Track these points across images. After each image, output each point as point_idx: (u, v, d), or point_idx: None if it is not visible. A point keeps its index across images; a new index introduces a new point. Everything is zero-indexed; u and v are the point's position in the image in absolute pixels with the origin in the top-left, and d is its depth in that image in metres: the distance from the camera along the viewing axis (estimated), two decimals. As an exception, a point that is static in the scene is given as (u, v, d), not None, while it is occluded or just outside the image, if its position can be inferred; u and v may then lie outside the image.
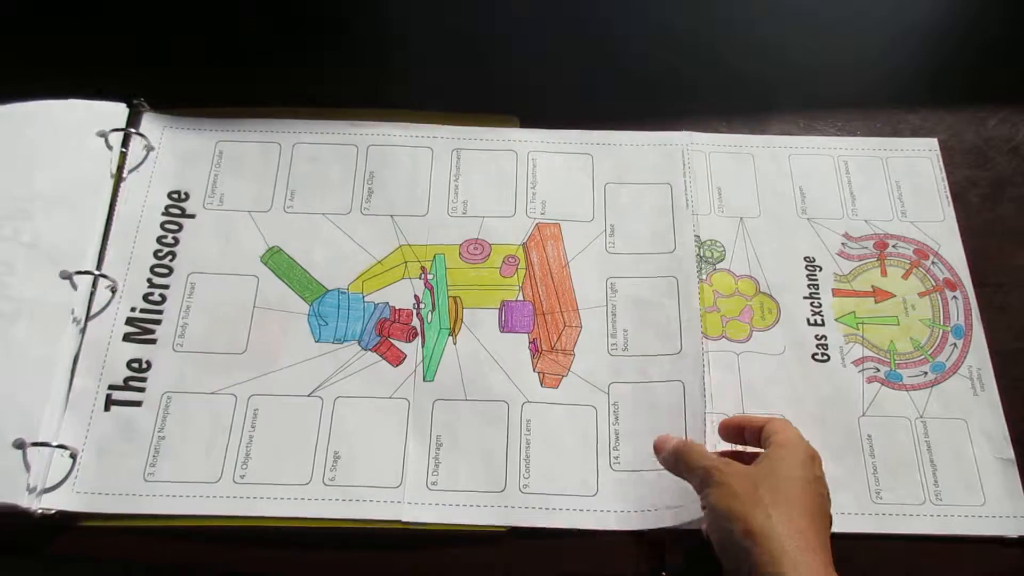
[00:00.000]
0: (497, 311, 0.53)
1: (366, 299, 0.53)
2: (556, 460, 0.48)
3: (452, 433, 0.49)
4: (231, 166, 0.57)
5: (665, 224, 0.55)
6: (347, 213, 0.56)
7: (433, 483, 0.47)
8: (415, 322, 0.52)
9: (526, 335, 0.52)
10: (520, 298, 0.53)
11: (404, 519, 0.46)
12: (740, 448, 0.46)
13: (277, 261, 0.54)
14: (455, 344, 0.52)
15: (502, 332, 0.52)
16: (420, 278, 0.54)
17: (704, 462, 0.41)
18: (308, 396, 0.50)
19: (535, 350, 0.52)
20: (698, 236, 0.55)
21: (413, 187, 0.57)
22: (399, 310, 0.53)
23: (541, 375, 0.51)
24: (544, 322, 0.52)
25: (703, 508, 0.40)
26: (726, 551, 0.38)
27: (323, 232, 0.55)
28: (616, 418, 0.49)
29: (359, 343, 0.52)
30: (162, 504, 0.46)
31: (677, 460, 0.43)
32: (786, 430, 0.42)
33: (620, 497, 0.47)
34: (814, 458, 0.41)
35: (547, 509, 0.47)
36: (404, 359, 0.51)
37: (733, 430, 0.47)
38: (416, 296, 0.53)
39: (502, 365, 0.51)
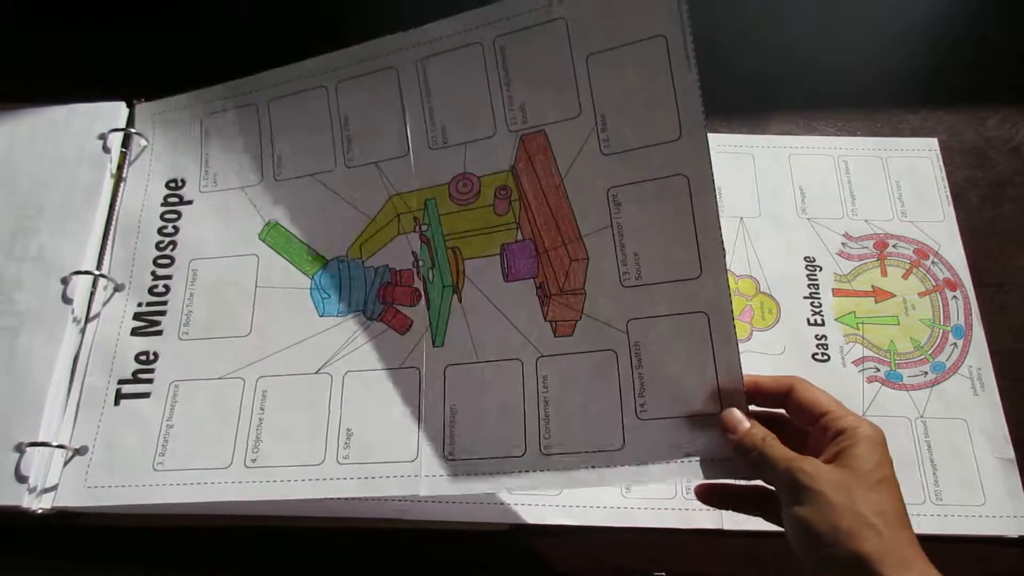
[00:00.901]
0: (498, 258, 0.49)
1: (366, 264, 0.52)
2: (577, 416, 0.44)
3: (466, 401, 0.47)
4: (217, 142, 0.56)
5: (666, 104, 0.45)
6: (332, 169, 0.54)
7: (450, 454, 0.45)
8: (417, 283, 0.51)
9: (532, 280, 0.48)
10: (519, 237, 0.49)
11: (422, 493, 0.45)
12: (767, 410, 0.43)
13: (275, 236, 0.53)
14: (460, 302, 0.49)
15: (507, 282, 0.49)
16: (415, 231, 0.52)
17: (787, 463, 0.37)
18: (316, 374, 0.49)
19: (543, 295, 0.48)
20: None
21: (388, 124, 0.53)
22: (399, 272, 0.51)
23: (553, 324, 0.47)
24: (548, 260, 0.48)
25: (790, 516, 0.36)
26: (823, 568, 0.35)
27: (314, 196, 0.54)
28: (639, 361, 0.44)
29: (364, 313, 0.50)
30: (172, 493, 0.46)
31: (754, 452, 0.39)
32: (855, 420, 0.38)
33: (650, 449, 0.42)
34: (885, 443, 0.38)
35: (571, 470, 0.43)
36: (411, 324, 0.49)
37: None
38: (414, 253, 0.51)
39: (511, 319, 0.48)
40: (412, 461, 0.46)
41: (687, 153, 0.44)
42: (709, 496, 0.42)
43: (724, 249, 0.42)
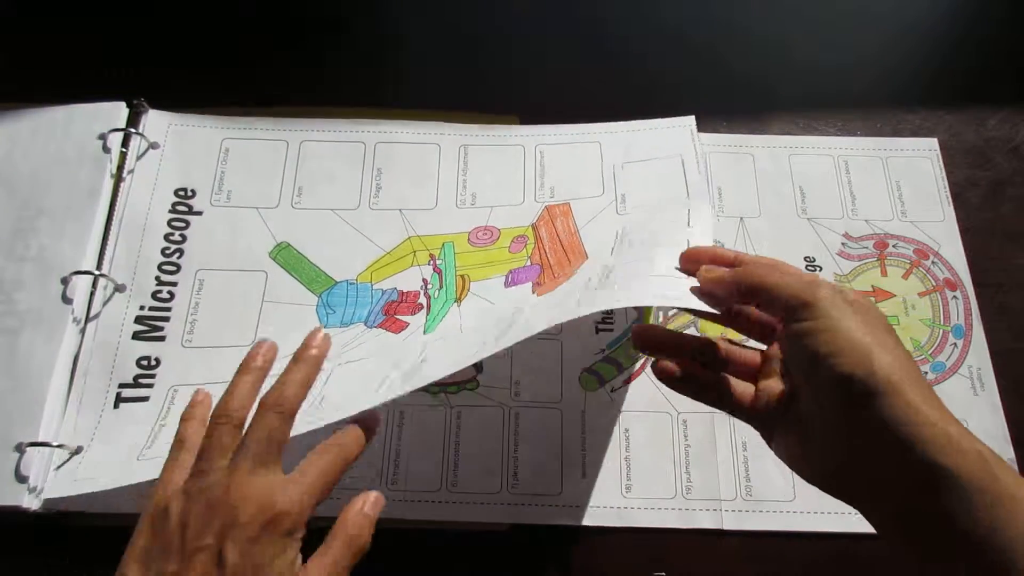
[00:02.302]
0: (503, 277, 0.52)
1: (374, 287, 0.53)
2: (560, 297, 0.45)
3: (439, 345, 0.45)
4: (238, 163, 0.57)
5: (678, 188, 0.53)
6: (355, 208, 0.56)
7: (410, 373, 0.43)
8: (422, 300, 0.52)
9: (529, 284, 0.50)
10: (528, 264, 0.52)
11: (379, 401, 0.40)
12: None
13: (286, 256, 0.54)
14: (459, 307, 0.51)
15: (506, 288, 0.51)
16: (429, 264, 0.54)
17: (805, 282, 0.32)
18: None
19: (537, 284, 0.49)
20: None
21: (421, 182, 0.57)
22: (407, 292, 0.53)
23: (538, 290, 0.48)
24: (551, 271, 0.51)
25: (801, 331, 0.31)
26: (834, 385, 0.30)
27: (331, 227, 0.55)
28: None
29: (365, 323, 0.51)
30: (147, 473, 0.43)
31: (749, 275, 0.34)
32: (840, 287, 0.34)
33: (634, 278, 0.40)
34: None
35: (557, 308, 0.42)
36: (407, 327, 0.50)
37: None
38: (424, 279, 0.53)
39: (501, 305, 0.49)
40: (377, 390, 0.42)
41: (694, 211, 0.47)
42: (668, 377, 0.38)
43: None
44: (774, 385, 0.36)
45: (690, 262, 0.38)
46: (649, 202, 0.54)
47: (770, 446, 0.36)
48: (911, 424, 0.29)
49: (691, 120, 0.57)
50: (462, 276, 0.53)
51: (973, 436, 0.29)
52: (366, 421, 0.38)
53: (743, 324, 0.38)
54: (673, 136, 0.57)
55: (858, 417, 0.30)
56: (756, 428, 0.36)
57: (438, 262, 0.54)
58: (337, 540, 0.34)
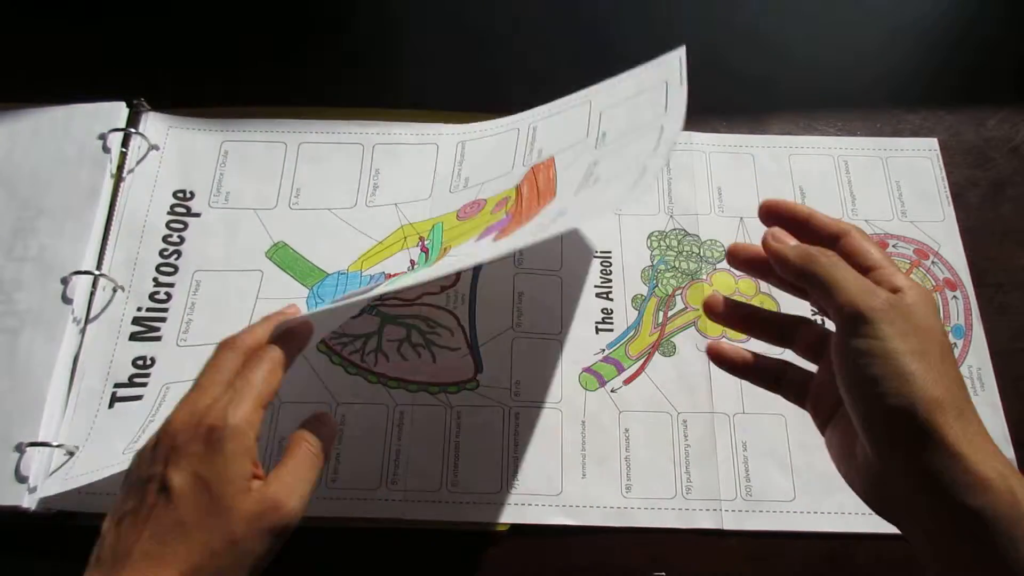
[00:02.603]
0: (477, 235, 0.50)
1: (364, 274, 0.53)
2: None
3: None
4: (236, 165, 0.57)
5: (658, 109, 0.48)
6: (352, 207, 0.56)
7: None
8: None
9: (494, 233, 0.49)
10: (504, 218, 0.50)
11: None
12: None
13: (282, 255, 0.55)
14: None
15: (477, 241, 0.49)
16: (418, 246, 0.54)
17: (859, 290, 0.31)
18: None
19: (501, 232, 0.48)
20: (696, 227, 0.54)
21: (418, 179, 0.57)
22: (394, 273, 0.53)
23: (499, 234, 0.47)
24: (519, 220, 0.49)
25: (855, 351, 0.30)
26: (887, 413, 0.29)
27: (328, 225, 0.56)
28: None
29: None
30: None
31: (813, 264, 0.33)
32: (905, 280, 0.32)
33: None
34: (935, 308, 0.33)
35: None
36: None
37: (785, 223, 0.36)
38: (412, 260, 0.53)
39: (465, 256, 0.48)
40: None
41: (664, 133, 0.44)
42: (723, 361, 0.39)
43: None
44: (828, 374, 0.35)
45: (769, 217, 0.37)
46: (626, 131, 0.49)
47: (823, 434, 0.35)
48: (946, 466, 0.29)
49: (681, 50, 0.50)
50: (445, 248, 0.52)
51: (1009, 471, 0.30)
52: (300, 327, 0.39)
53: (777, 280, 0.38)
54: (661, 67, 0.52)
55: (896, 449, 0.30)
56: (810, 414, 0.36)
57: (426, 243, 0.54)
58: (296, 451, 0.35)
